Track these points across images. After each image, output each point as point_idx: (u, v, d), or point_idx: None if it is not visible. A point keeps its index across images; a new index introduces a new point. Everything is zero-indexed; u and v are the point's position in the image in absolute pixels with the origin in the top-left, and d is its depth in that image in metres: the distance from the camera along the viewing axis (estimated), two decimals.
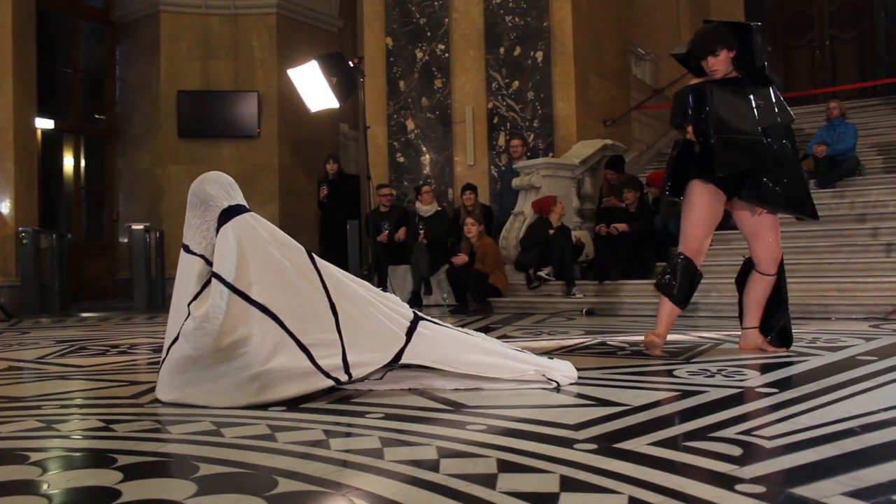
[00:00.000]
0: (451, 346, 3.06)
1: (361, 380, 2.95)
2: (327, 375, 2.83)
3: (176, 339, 2.88)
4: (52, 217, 11.49)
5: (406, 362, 2.99)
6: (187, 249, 3.02)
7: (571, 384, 3.04)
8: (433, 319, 3.16)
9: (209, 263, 2.96)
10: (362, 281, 3.18)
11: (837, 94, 11.27)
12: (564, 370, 3.13)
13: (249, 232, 2.97)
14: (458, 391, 2.92)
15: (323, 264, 3.04)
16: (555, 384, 3.00)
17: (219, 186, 3.07)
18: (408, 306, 3.18)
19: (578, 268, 7.93)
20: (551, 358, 3.29)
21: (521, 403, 2.74)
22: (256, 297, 2.85)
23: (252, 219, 3.03)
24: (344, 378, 2.86)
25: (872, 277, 6.20)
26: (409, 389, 2.99)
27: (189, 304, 2.88)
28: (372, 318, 2.97)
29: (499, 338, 4.92)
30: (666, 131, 12.42)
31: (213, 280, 2.87)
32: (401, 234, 8.84)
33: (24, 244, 9.09)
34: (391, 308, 3.07)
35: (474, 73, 9.68)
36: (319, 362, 2.83)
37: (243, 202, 3.12)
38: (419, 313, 3.14)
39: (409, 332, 2.99)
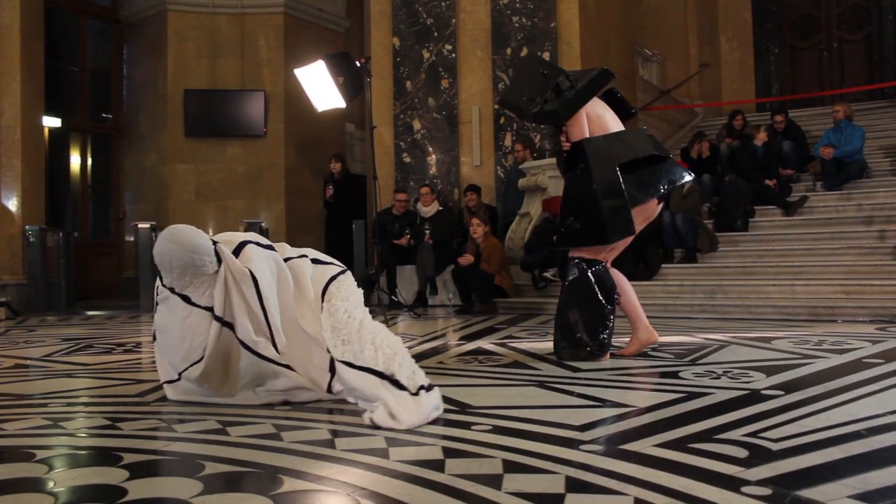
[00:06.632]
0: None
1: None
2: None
3: (186, 368, 2.82)
4: (59, 215, 11.51)
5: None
6: (188, 301, 2.76)
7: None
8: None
9: (215, 316, 2.74)
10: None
11: (845, 96, 11.24)
12: (415, 408, 2.44)
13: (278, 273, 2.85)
14: (461, 389, 2.92)
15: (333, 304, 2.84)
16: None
17: (196, 234, 2.73)
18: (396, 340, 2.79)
19: None
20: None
21: (527, 404, 2.73)
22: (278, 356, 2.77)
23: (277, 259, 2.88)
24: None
25: (879, 280, 6.18)
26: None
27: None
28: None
29: (504, 338, 4.92)
30: (672, 133, 12.41)
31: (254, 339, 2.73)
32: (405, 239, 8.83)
33: (31, 242, 9.11)
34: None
35: (481, 74, 9.67)
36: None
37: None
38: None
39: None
